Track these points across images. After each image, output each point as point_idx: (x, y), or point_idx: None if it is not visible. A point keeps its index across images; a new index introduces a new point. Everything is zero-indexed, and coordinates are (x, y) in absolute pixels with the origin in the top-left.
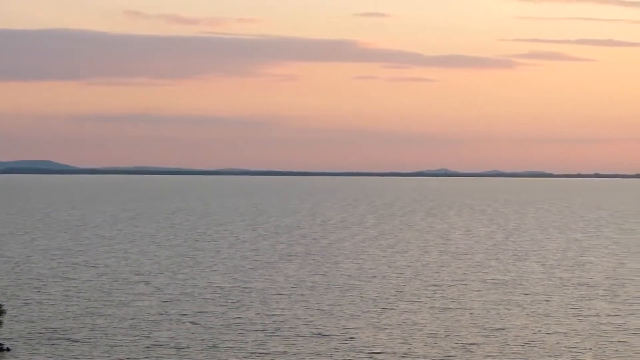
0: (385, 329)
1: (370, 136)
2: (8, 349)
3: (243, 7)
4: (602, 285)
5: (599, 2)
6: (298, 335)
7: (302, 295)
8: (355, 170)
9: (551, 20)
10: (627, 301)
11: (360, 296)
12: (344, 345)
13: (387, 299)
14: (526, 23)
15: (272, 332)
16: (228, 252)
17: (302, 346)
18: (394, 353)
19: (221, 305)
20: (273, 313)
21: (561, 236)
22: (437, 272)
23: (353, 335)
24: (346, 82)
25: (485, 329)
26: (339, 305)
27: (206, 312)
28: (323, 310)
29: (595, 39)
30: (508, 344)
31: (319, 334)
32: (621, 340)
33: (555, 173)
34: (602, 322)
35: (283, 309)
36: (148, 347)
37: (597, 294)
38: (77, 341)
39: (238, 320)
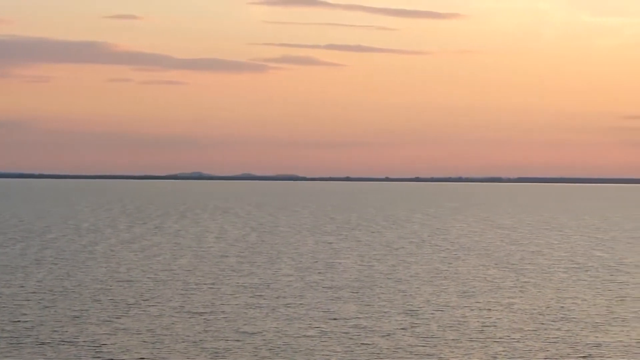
0: (136, 334)
1: (123, 139)
2: None
3: None
4: (351, 288)
5: (347, 9)
6: (44, 343)
7: (52, 300)
8: (108, 173)
9: (301, 25)
10: (375, 303)
11: (111, 301)
12: (93, 352)
13: (138, 303)
14: (276, 28)
15: (18, 340)
16: None
17: (50, 354)
18: (144, 358)
19: None
20: (19, 319)
21: (313, 239)
22: (189, 276)
23: (103, 341)
24: (98, 84)
25: (237, 333)
26: (89, 310)
27: None
28: (73, 316)
29: (344, 44)
30: (260, 348)
31: (67, 340)
32: (368, 342)
33: (307, 176)
34: (350, 324)
35: (31, 315)
36: None
37: (346, 297)
38: None
39: None
